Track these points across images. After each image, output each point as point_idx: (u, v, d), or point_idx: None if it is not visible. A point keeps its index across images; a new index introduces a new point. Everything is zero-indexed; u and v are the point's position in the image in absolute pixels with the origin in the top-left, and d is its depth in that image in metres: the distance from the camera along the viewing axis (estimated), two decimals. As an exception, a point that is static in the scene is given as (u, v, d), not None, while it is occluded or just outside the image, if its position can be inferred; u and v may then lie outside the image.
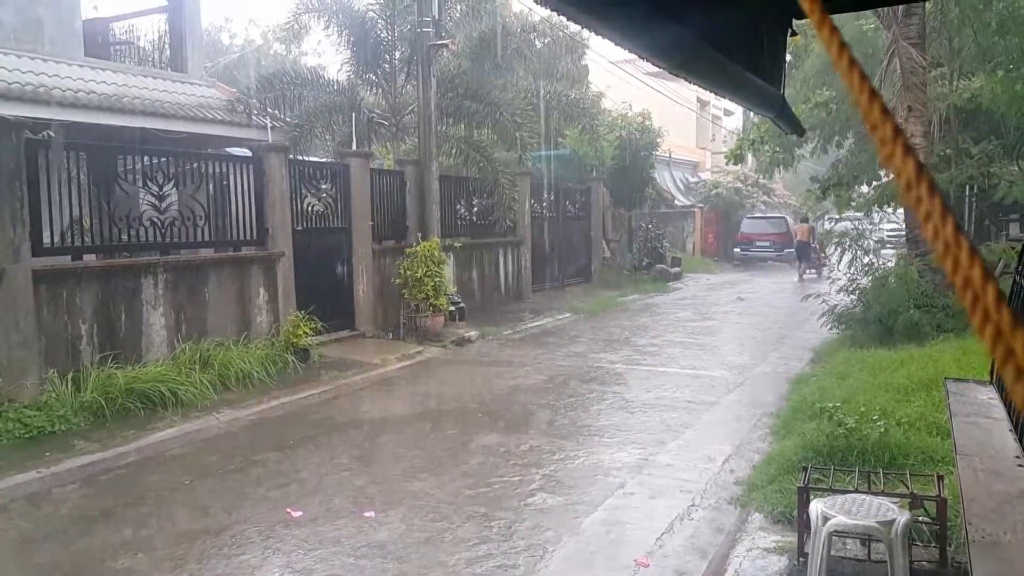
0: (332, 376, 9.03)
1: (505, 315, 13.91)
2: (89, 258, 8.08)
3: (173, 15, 13.10)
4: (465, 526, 4.83)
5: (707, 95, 29.38)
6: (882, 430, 4.96)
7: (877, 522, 3.39)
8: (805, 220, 21.98)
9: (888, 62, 9.72)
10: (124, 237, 8.23)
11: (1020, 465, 3.03)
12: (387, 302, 11.75)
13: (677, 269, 21.64)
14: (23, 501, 5.46)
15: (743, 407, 7.79)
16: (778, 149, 13.52)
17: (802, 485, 3.92)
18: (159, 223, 8.48)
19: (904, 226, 11.73)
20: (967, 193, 11.39)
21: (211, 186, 9.18)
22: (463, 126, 14.33)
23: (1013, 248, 8.74)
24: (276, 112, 13.12)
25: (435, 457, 6.30)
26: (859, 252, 11.20)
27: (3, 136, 6.95)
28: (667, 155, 25.78)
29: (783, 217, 27.72)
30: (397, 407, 8.10)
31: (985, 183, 10.39)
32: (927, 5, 9.42)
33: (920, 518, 3.77)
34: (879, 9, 9.32)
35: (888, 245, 20.17)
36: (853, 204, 12.33)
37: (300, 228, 10.31)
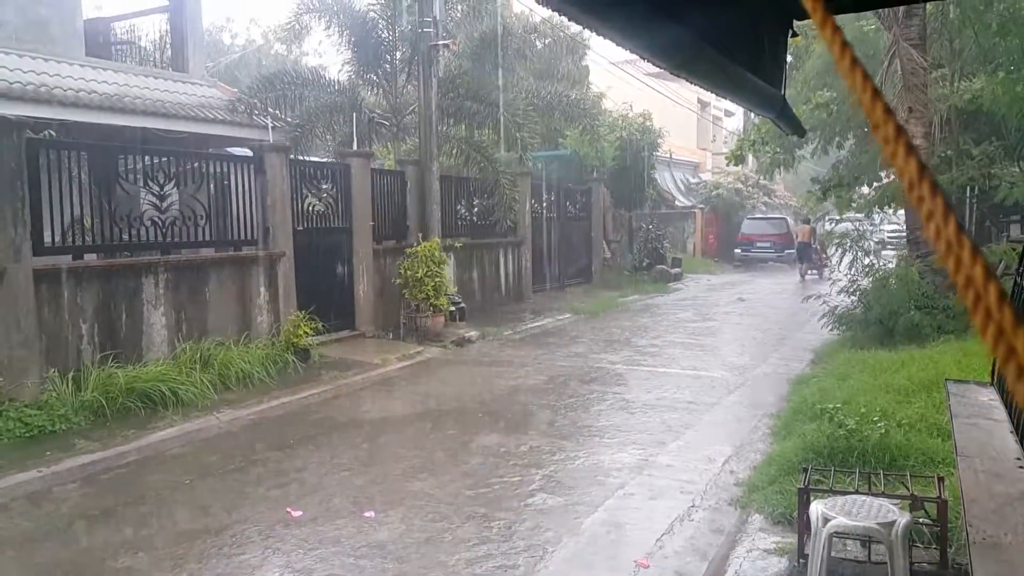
0: (332, 376, 9.03)
1: (505, 315, 13.91)
2: (90, 257, 8.08)
3: (174, 15, 13.10)
4: (465, 526, 4.83)
5: (708, 96, 29.39)
6: (883, 431, 4.96)
7: (877, 523, 3.39)
8: (807, 221, 21.99)
9: (889, 63, 9.71)
10: (125, 237, 8.23)
11: (1021, 467, 3.02)
12: (387, 302, 11.75)
13: (677, 270, 21.64)
14: (24, 500, 5.46)
15: (743, 408, 7.78)
16: (779, 150, 13.52)
17: (802, 486, 3.92)
18: (160, 223, 8.49)
19: (905, 227, 11.73)
20: (968, 194, 11.37)
21: (212, 186, 9.19)
22: (464, 126, 14.34)
23: (1014, 249, 8.74)
24: (277, 112, 13.13)
25: (435, 457, 6.30)
26: (860, 253, 11.20)
27: (4, 135, 6.95)
28: (668, 156, 25.78)
29: (784, 218, 27.72)
30: (397, 407, 8.10)
31: (986, 184, 10.38)
32: (928, 6, 9.42)
33: (921, 519, 3.77)
34: (880, 10, 9.33)
35: (889, 246, 20.15)
36: (854, 205, 12.33)
37: (301, 228, 10.31)
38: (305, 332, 9.42)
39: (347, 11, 14.12)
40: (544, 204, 17.67)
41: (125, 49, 13.88)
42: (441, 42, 12.22)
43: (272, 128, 12.18)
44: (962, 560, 3.42)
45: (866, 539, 3.76)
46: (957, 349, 7.69)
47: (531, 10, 16.70)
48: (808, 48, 12.58)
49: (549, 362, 10.20)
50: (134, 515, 5.18)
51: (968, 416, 3.72)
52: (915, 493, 3.78)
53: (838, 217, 13.84)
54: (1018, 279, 3.90)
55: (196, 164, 9.10)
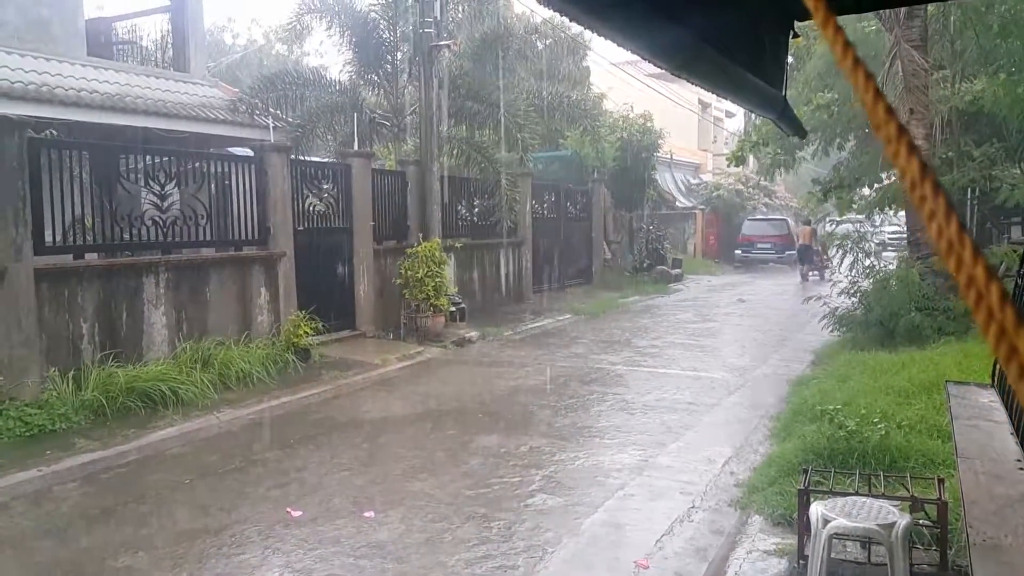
0: (332, 376, 9.03)
1: (506, 316, 13.91)
2: (91, 257, 8.08)
3: (176, 15, 13.12)
4: (465, 527, 4.83)
5: (709, 97, 29.41)
6: (883, 433, 4.96)
7: (877, 525, 3.39)
8: (808, 223, 21.97)
9: (890, 64, 9.71)
10: (126, 236, 8.24)
11: (1021, 468, 3.02)
12: (388, 302, 11.76)
13: (678, 271, 21.64)
14: (24, 499, 5.46)
15: (744, 409, 7.78)
16: (779, 151, 13.51)
17: (802, 487, 3.92)
18: (161, 222, 8.49)
19: (905, 229, 11.72)
20: (969, 196, 11.37)
21: (213, 186, 9.19)
22: (465, 127, 14.35)
23: (1015, 251, 8.74)
24: (278, 112, 13.14)
25: (435, 457, 6.30)
26: (860, 255, 11.20)
27: (6, 135, 6.96)
28: (668, 157, 25.78)
29: (784, 219, 27.72)
30: (397, 407, 8.10)
31: (987, 186, 10.38)
32: (929, 7, 9.42)
33: (921, 521, 3.77)
34: (881, 11, 9.33)
35: (889, 248, 20.14)
36: (854, 206, 12.32)
37: (302, 228, 10.31)
38: (305, 332, 9.42)
39: (348, 12, 14.13)
40: (545, 205, 17.68)
41: (126, 49, 13.90)
42: (442, 43, 12.22)
43: (273, 128, 12.19)
44: (962, 562, 3.42)
45: (866, 540, 3.76)
46: (957, 351, 7.69)
47: (532, 11, 16.73)
48: (809, 49, 12.58)
49: (549, 363, 10.20)
50: (134, 514, 5.19)
51: (968, 418, 3.72)
52: (915, 495, 3.78)
53: (839, 218, 13.84)
54: (1019, 281, 3.89)
55: (197, 164, 9.10)
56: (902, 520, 3.42)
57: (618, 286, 18.60)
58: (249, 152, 10.38)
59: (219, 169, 9.33)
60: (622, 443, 6.61)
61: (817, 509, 3.57)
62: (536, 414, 7.69)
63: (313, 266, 10.45)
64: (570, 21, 1.85)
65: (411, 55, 13.60)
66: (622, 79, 21.98)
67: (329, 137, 14.47)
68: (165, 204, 8.52)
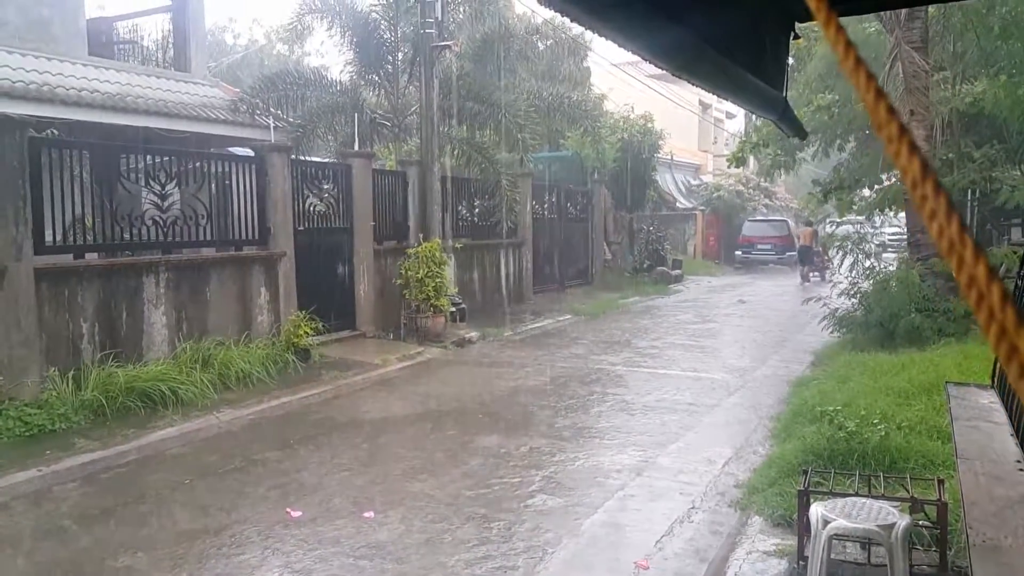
0: (333, 376, 9.03)
1: (506, 316, 13.90)
2: (91, 256, 8.08)
3: (177, 15, 13.12)
4: (465, 527, 4.83)
5: (709, 98, 29.40)
6: (883, 434, 4.96)
7: (877, 526, 3.39)
8: (809, 223, 21.95)
9: (891, 66, 9.71)
10: (126, 236, 8.24)
11: (1021, 469, 3.02)
12: (388, 303, 11.76)
13: (678, 271, 21.64)
14: (24, 499, 5.46)
15: (744, 410, 7.78)
16: (780, 152, 13.51)
17: (802, 488, 3.92)
18: (161, 222, 8.49)
19: (906, 230, 11.72)
20: (969, 197, 11.37)
21: (213, 185, 9.19)
22: (466, 127, 14.35)
23: (1015, 252, 8.74)
24: (279, 112, 13.14)
25: (435, 458, 6.30)
26: (860, 256, 11.20)
27: (7, 134, 6.96)
28: (669, 157, 25.79)
29: (784, 220, 27.73)
30: (397, 407, 8.10)
31: (987, 187, 10.38)
32: (930, 9, 9.42)
33: (920, 522, 3.77)
34: (882, 13, 9.33)
35: (889, 249, 20.15)
36: (854, 208, 12.33)
37: (302, 228, 10.31)
38: (305, 332, 9.42)
39: (349, 12, 14.13)
40: (545, 205, 17.68)
41: (127, 48, 13.91)
42: (443, 43, 12.22)
43: (274, 128, 12.19)
44: (962, 563, 3.42)
45: (866, 541, 3.76)
46: (957, 352, 7.69)
47: (533, 11, 16.72)
48: (810, 50, 12.58)
49: (549, 363, 10.20)
50: (134, 515, 5.18)
51: (968, 419, 3.72)
52: (915, 495, 3.78)
53: (839, 219, 13.85)
54: (1019, 282, 3.89)
55: (198, 164, 9.10)
56: (902, 521, 3.42)
57: (618, 287, 18.60)
58: (250, 152, 10.38)
59: (220, 169, 9.33)
60: (622, 444, 6.60)
61: (817, 510, 3.57)
62: (536, 415, 7.69)
63: (313, 266, 10.46)
64: (571, 22, 1.85)
65: (412, 55, 13.61)
66: (623, 80, 21.98)
67: (330, 137, 14.47)
68: (165, 204, 8.52)
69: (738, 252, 26.70)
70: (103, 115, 10.19)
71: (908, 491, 3.83)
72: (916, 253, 10.23)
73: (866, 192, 13.24)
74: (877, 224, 14.45)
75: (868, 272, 10.57)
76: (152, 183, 8.48)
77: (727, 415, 7.61)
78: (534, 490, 5.50)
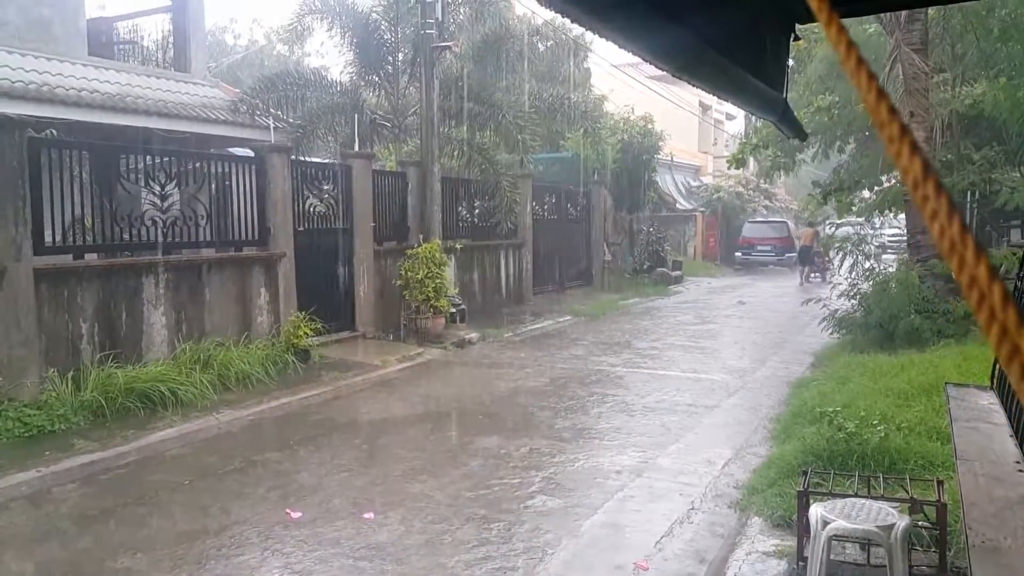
0: (332, 377, 9.03)
1: (506, 317, 13.91)
2: (90, 257, 8.08)
3: (177, 15, 13.13)
4: (464, 528, 4.83)
5: (709, 99, 29.41)
6: (882, 435, 4.96)
7: (877, 526, 3.39)
8: (810, 224, 21.95)
9: (890, 68, 9.72)
10: (126, 236, 8.23)
11: (1021, 470, 3.02)
12: (388, 303, 11.75)
13: (678, 273, 21.65)
14: (23, 500, 5.46)
15: (743, 411, 7.78)
16: (780, 153, 13.52)
17: (802, 489, 3.92)
18: (161, 223, 8.48)
19: (905, 231, 11.74)
20: (968, 199, 11.38)
21: (213, 186, 9.19)
22: (466, 128, 14.34)
23: (1014, 254, 8.74)
24: (279, 113, 13.14)
25: (435, 459, 6.30)
26: (860, 257, 11.21)
27: (6, 134, 6.96)
28: (669, 159, 25.80)
29: (784, 222, 27.76)
30: (397, 408, 8.09)
31: (987, 189, 10.39)
32: (930, 11, 9.42)
33: (920, 523, 3.77)
34: (882, 15, 9.33)
35: (889, 250, 20.17)
36: (854, 209, 12.34)
37: (302, 229, 10.31)
38: (305, 333, 9.42)
39: (349, 12, 14.13)
40: (545, 206, 17.68)
41: (128, 49, 13.91)
42: (443, 44, 12.23)
43: (274, 129, 12.19)
44: (961, 563, 3.42)
45: (865, 542, 3.76)
46: (957, 353, 7.70)
47: (533, 12, 16.73)
48: (810, 52, 12.59)
49: (549, 364, 10.20)
50: (133, 515, 5.18)
51: (968, 420, 3.72)
52: (914, 496, 3.78)
53: (839, 221, 13.86)
54: (1018, 283, 3.89)
55: (197, 164, 9.10)
56: (901, 522, 3.42)
57: (618, 288, 18.60)
58: (250, 153, 10.38)
59: (219, 169, 9.33)
60: (622, 445, 6.60)
61: (816, 511, 3.57)
62: (536, 416, 7.69)
63: (313, 267, 10.45)
64: (571, 23, 1.85)
65: (412, 56, 13.62)
66: (623, 81, 22.01)
67: (330, 138, 14.46)
68: (165, 204, 8.52)
69: (738, 253, 26.72)
70: (103, 115, 10.19)
71: (907, 492, 3.83)
72: (916, 254, 10.24)
73: (866, 194, 13.26)
74: (877, 226, 14.47)
75: (868, 273, 10.58)
76: (152, 183, 8.48)
77: (727, 416, 7.61)
78: (534, 491, 5.50)
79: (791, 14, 2.03)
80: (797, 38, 2.20)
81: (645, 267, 20.96)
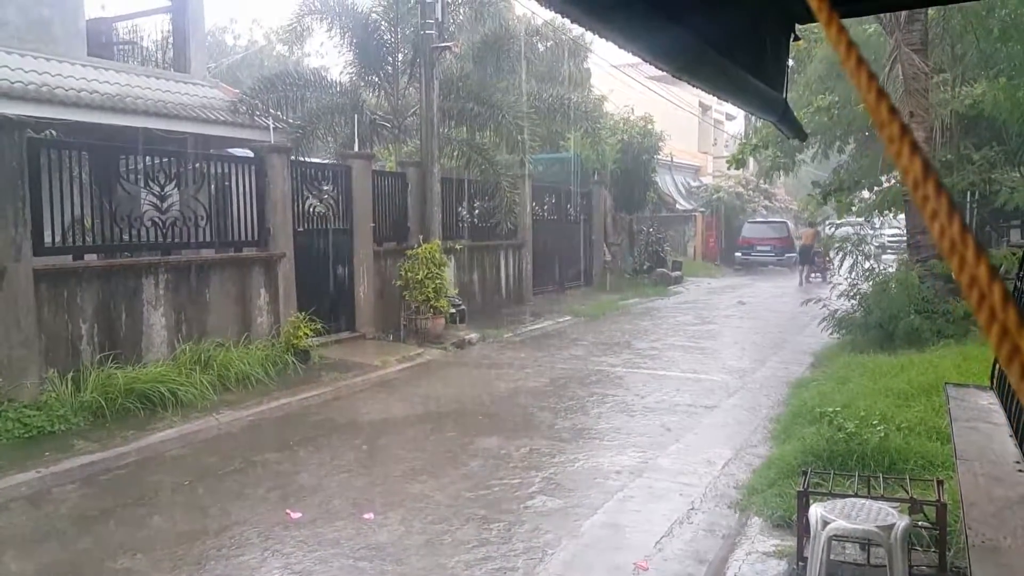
0: (332, 377, 9.02)
1: (505, 318, 13.91)
2: (90, 258, 8.08)
3: (176, 15, 13.13)
4: (464, 528, 4.83)
5: (709, 99, 29.41)
6: (882, 435, 4.96)
7: (877, 526, 3.39)
8: (811, 224, 21.94)
9: (890, 68, 9.72)
10: (125, 237, 8.23)
11: (1020, 470, 3.02)
12: (388, 304, 11.75)
13: (678, 273, 21.65)
14: (23, 501, 5.46)
15: (743, 411, 7.78)
16: (779, 154, 13.52)
17: (802, 489, 3.92)
18: (160, 223, 8.48)
19: (905, 231, 11.73)
20: (968, 199, 11.38)
21: (213, 187, 9.19)
22: (465, 128, 14.35)
23: (1014, 254, 8.74)
24: (278, 113, 13.14)
25: (435, 459, 6.30)
26: (860, 257, 11.21)
27: (6, 135, 6.96)
28: (669, 159, 25.80)
29: (784, 222, 27.78)
30: (397, 409, 8.09)
31: (986, 189, 10.39)
32: (930, 11, 9.43)
33: (920, 523, 3.77)
34: (881, 15, 9.34)
35: (889, 250, 20.19)
36: (854, 209, 12.34)
37: (301, 229, 10.31)
38: (305, 333, 9.42)
39: (349, 13, 14.13)
40: (545, 207, 17.69)
41: (127, 49, 13.90)
42: (443, 44, 12.23)
43: (273, 129, 12.20)
44: (961, 563, 3.42)
45: (865, 542, 3.76)
46: (957, 353, 7.70)
47: (533, 13, 16.73)
48: (810, 52, 12.59)
49: (549, 365, 10.20)
50: (133, 516, 5.18)
51: (968, 420, 3.72)
52: (914, 496, 3.78)
53: (838, 221, 13.87)
54: (1018, 283, 3.90)
55: (197, 165, 9.10)
56: (901, 522, 3.42)
57: (618, 288, 18.60)
58: (249, 153, 10.37)
59: (219, 170, 9.33)
60: (622, 445, 6.60)
61: (816, 511, 3.57)
62: (536, 416, 7.69)
63: (313, 267, 10.45)
64: (571, 23, 1.86)
65: (412, 57, 13.61)
66: (623, 81, 22.01)
67: (329, 138, 14.46)
68: (165, 205, 8.52)
69: (738, 254, 26.73)
70: (102, 116, 10.19)
71: (907, 492, 3.83)
72: (916, 255, 10.24)
73: (865, 194, 13.26)
74: (877, 226, 14.47)
75: (868, 274, 10.59)
76: (151, 184, 8.48)
77: (727, 416, 7.61)
78: (534, 491, 5.50)
79: (791, 14, 2.03)
80: (797, 38, 2.20)
81: (645, 267, 20.97)
